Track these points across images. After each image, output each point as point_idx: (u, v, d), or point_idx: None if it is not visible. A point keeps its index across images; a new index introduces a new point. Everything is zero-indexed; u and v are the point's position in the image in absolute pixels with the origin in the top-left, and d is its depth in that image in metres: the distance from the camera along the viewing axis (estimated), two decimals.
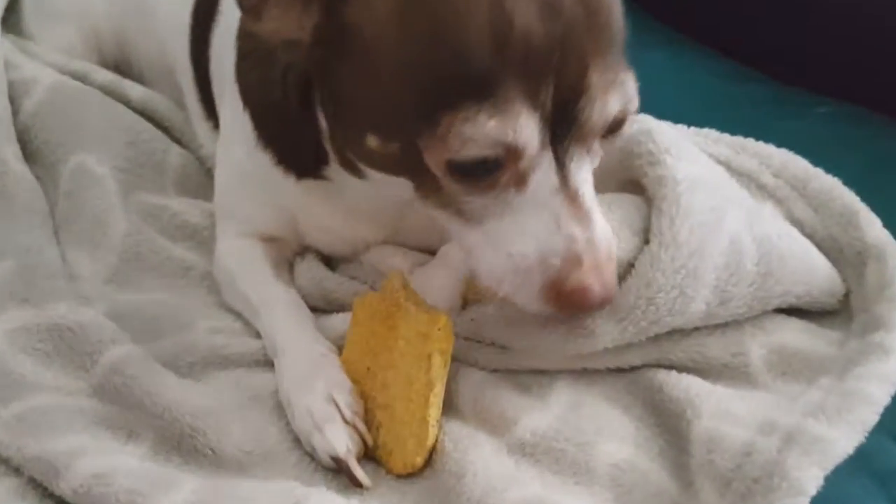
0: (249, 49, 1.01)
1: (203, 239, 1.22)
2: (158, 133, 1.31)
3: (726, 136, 1.09)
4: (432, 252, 1.09)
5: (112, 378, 0.89)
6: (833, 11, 1.46)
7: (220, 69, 1.20)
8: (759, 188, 1.04)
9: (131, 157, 1.25)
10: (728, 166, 1.05)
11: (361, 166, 0.91)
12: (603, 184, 1.04)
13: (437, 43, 0.76)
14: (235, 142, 1.11)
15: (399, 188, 0.87)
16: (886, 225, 1.04)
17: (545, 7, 0.75)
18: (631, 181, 1.01)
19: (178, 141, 1.35)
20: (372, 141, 0.83)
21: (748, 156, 1.06)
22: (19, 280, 0.98)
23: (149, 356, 0.93)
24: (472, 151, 0.76)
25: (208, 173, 1.34)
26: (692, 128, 1.11)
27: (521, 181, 0.80)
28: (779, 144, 1.17)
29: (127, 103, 1.35)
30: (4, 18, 1.46)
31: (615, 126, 0.81)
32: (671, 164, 0.93)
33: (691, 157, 0.95)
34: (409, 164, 0.82)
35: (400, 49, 0.78)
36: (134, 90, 1.37)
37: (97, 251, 1.13)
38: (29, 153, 1.25)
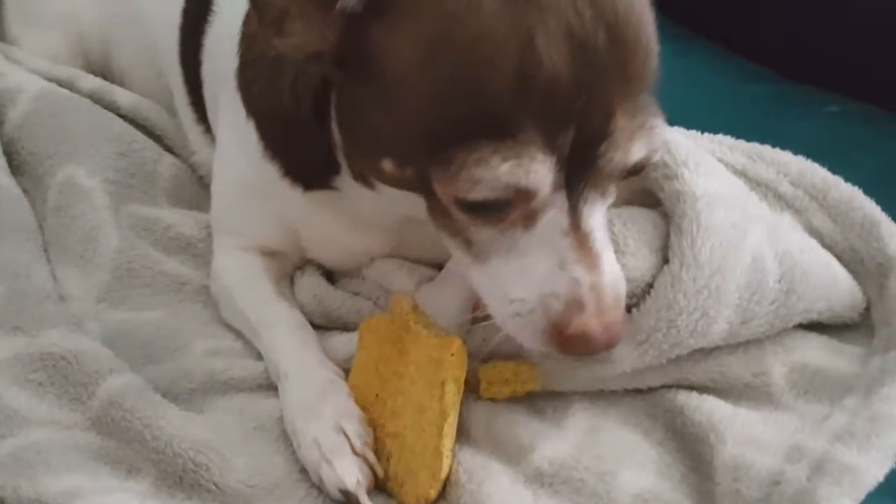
0: (254, 56, 0.96)
1: (198, 251, 1.18)
2: (150, 142, 1.27)
3: (742, 143, 1.05)
4: (436, 265, 1.06)
5: (110, 411, 0.85)
6: (841, 6, 1.43)
7: (214, 73, 1.15)
8: (777, 198, 1.01)
9: (122, 167, 1.20)
10: (745, 175, 1.02)
11: (375, 182, 0.88)
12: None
13: (461, 79, 0.72)
14: (236, 152, 1.07)
15: (412, 204, 0.84)
16: None
17: (578, 49, 0.71)
18: (644, 190, 0.97)
19: (169, 149, 1.30)
20: (387, 164, 0.80)
21: (765, 164, 1.03)
22: (9, 306, 0.94)
23: (148, 386, 0.89)
24: (482, 194, 0.74)
25: (201, 182, 1.30)
26: (706, 134, 1.07)
27: (530, 220, 0.77)
28: (787, 146, 1.14)
29: (116, 111, 1.31)
30: None
31: (636, 170, 0.78)
32: (689, 179, 0.90)
33: (709, 170, 0.92)
34: (424, 188, 0.79)
35: (422, 81, 0.74)
36: (123, 96, 1.33)
37: (88, 268, 1.09)
38: (15, 165, 1.21)
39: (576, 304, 0.76)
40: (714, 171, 0.93)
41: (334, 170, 0.94)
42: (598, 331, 0.76)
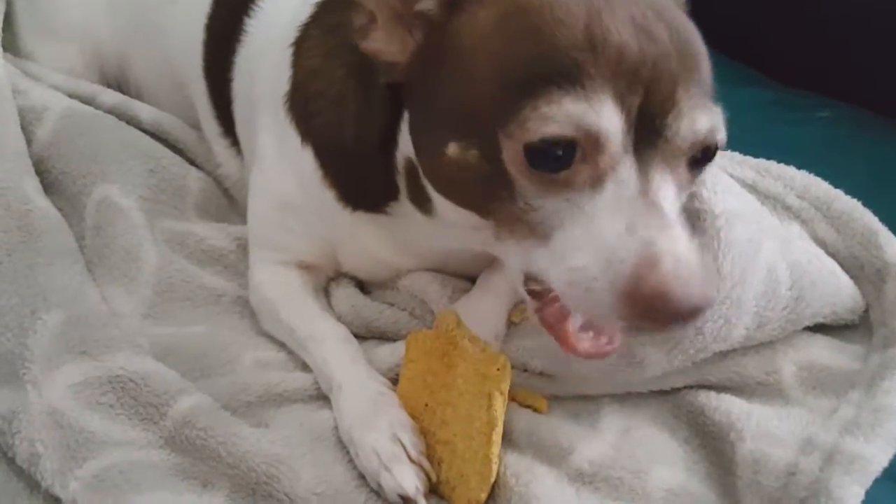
0: (316, 90, 1.01)
1: (229, 262, 1.23)
2: (176, 157, 1.31)
3: (750, 159, 1.13)
4: (471, 278, 1.12)
5: (184, 430, 0.90)
6: (835, 13, 1.49)
7: (250, 92, 1.19)
8: (785, 209, 1.09)
9: (153, 184, 1.24)
10: (755, 189, 1.10)
11: (433, 194, 0.91)
12: None
13: (532, 38, 0.76)
14: (282, 172, 1.10)
15: (462, 226, 0.88)
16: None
17: (641, 31, 0.77)
18: None
19: (192, 161, 1.35)
20: (453, 150, 0.81)
21: (772, 178, 1.11)
22: (73, 331, 0.98)
23: (216, 405, 0.94)
24: (550, 129, 0.74)
25: (226, 193, 1.35)
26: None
27: (598, 181, 0.76)
28: (783, 152, 1.22)
29: (138, 125, 1.34)
30: None
31: (703, 154, 0.80)
32: (708, 198, 0.97)
33: (726, 188, 0.99)
34: (485, 176, 0.80)
35: (496, 42, 0.79)
36: (144, 111, 1.36)
37: (132, 286, 1.13)
38: (47, 184, 1.24)
39: (647, 263, 0.72)
40: (729, 188, 1.00)
41: (393, 195, 0.99)
42: (679, 292, 0.71)
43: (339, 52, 0.99)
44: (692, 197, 0.99)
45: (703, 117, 0.79)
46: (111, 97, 1.37)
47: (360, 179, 1.01)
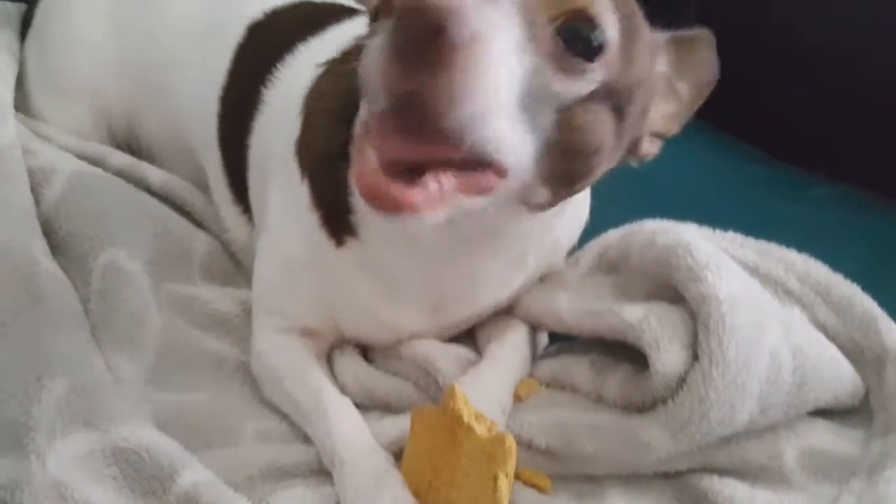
0: (314, 120, 1.05)
1: (233, 327, 1.23)
2: (184, 221, 1.32)
3: (751, 241, 1.15)
4: (474, 346, 1.14)
5: None
6: (829, 87, 1.52)
7: (265, 158, 1.21)
8: (787, 293, 1.11)
9: (159, 247, 1.25)
10: (756, 272, 1.11)
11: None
12: (633, 286, 1.11)
13: None
14: (286, 230, 1.13)
15: (436, 245, 0.92)
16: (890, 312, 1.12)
17: None
18: (664, 285, 1.06)
19: (199, 224, 1.36)
20: None
21: (773, 261, 1.13)
22: (78, 400, 0.97)
23: (218, 480, 0.94)
24: None
25: (233, 258, 1.36)
26: (717, 231, 1.17)
27: None
28: (779, 230, 1.24)
29: (146, 187, 1.35)
30: None
31: (574, 36, 0.80)
32: (713, 283, 0.99)
33: (729, 273, 1.01)
34: None
35: None
36: (153, 173, 1.37)
37: (137, 352, 1.13)
38: (53, 245, 1.23)
39: None
40: (733, 272, 1.02)
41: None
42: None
43: (340, 91, 1.03)
44: (697, 280, 1.00)
45: None
46: (119, 159, 1.38)
47: (331, 189, 1.02)
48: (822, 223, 1.39)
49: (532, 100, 0.78)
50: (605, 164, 0.92)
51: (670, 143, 1.58)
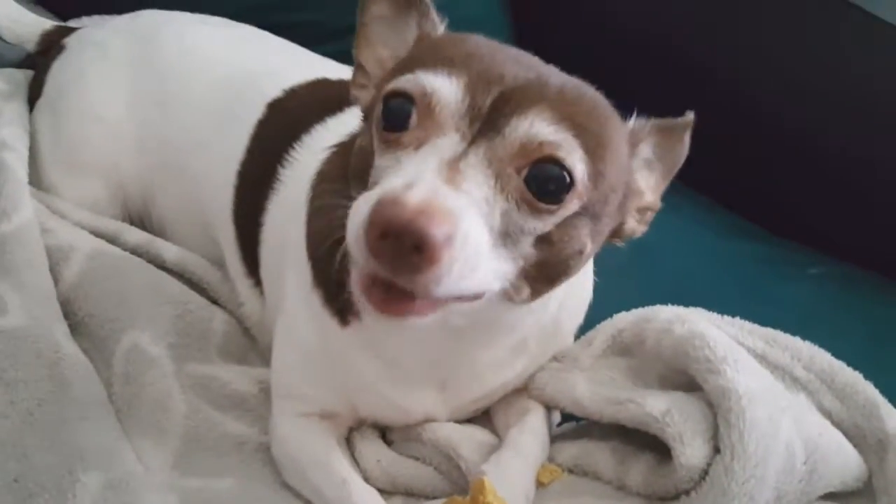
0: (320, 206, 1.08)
1: (251, 407, 1.24)
2: (202, 300, 1.33)
3: (758, 329, 1.21)
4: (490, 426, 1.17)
5: None
6: (826, 165, 1.57)
7: (279, 238, 1.23)
8: (793, 381, 1.16)
9: (180, 329, 1.26)
10: (764, 359, 1.17)
11: None
12: (648, 369, 1.15)
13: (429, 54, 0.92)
14: (299, 314, 1.14)
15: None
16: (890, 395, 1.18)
17: (523, 65, 0.89)
18: (678, 371, 1.11)
19: (215, 301, 1.37)
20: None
21: (780, 349, 1.18)
22: (114, 496, 0.98)
23: None
24: (399, 84, 0.85)
25: (247, 333, 1.37)
26: (725, 317, 1.22)
27: (420, 144, 0.83)
28: (776, 310, 1.29)
29: (161, 264, 1.36)
30: None
31: (542, 174, 0.84)
32: (731, 377, 1.04)
33: (746, 367, 1.06)
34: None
35: None
36: (168, 250, 1.38)
37: (161, 437, 1.14)
38: (72, 325, 1.24)
39: (385, 195, 0.76)
40: (749, 368, 1.07)
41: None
42: (389, 212, 0.74)
43: (345, 171, 1.05)
44: (716, 373, 1.05)
45: (546, 129, 0.83)
46: (135, 236, 1.39)
47: (335, 264, 1.02)
48: (820, 303, 1.43)
49: (508, 238, 0.85)
50: (585, 260, 0.96)
51: (670, 220, 1.64)
